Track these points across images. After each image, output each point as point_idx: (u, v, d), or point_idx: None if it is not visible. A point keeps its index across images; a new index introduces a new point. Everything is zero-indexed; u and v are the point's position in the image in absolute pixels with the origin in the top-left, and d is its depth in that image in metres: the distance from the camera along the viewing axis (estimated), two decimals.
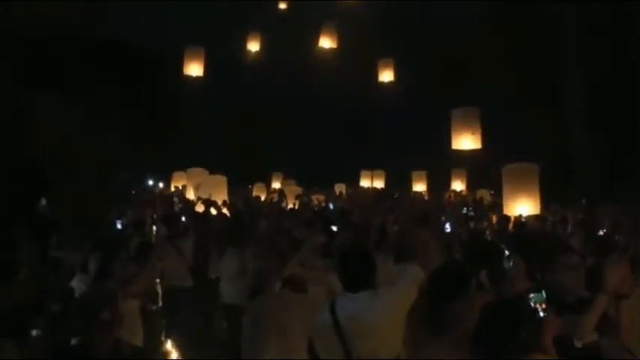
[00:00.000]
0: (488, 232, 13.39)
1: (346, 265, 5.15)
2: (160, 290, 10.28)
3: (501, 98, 29.10)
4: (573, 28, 26.90)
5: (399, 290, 5.01)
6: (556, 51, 27.74)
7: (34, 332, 5.31)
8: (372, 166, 34.12)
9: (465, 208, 20.43)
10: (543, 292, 4.13)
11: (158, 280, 10.10)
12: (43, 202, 17.32)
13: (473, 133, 23.38)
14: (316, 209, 18.65)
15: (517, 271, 5.68)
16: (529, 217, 14.71)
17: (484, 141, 23.00)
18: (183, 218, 13.59)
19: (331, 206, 18.57)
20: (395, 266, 5.49)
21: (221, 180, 18.42)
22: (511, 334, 3.81)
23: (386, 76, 35.00)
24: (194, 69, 32.84)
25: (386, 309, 4.93)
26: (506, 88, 29.26)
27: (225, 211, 15.32)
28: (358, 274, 5.05)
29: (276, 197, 22.18)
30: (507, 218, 14.27)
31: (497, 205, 18.57)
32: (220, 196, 17.31)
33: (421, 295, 4.87)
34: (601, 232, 12.29)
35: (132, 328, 7.52)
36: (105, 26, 25.08)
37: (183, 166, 26.40)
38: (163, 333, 10.64)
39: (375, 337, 4.91)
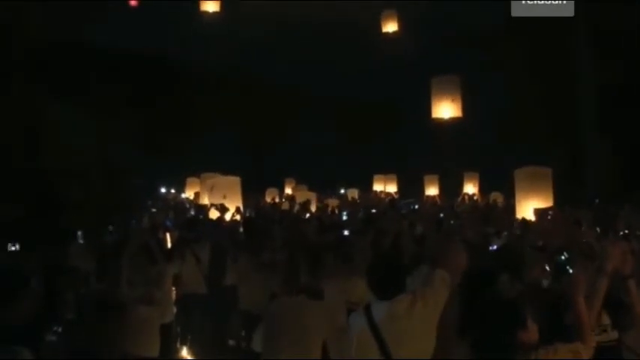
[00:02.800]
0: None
1: (377, 273, 5.30)
2: (173, 297, 10.32)
3: (514, 100, 29.08)
4: (589, 30, 26.78)
5: (434, 292, 5.14)
6: (570, 53, 27.65)
7: (48, 339, 5.34)
8: (384, 169, 33.89)
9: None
10: (565, 254, 4.24)
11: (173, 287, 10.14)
12: (57, 209, 17.37)
13: (452, 101, 23.43)
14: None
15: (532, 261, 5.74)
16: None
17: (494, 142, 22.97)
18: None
19: (345, 216, 18.32)
20: (420, 270, 5.61)
21: (235, 181, 18.34)
22: (505, 335, 3.84)
23: (390, 26, 34.40)
24: (210, 5, 32.09)
25: (423, 311, 5.09)
26: (520, 93, 29.19)
27: (238, 217, 15.35)
28: (388, 281, 5.22)
29: (287, 205, 22.11)
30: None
31: (510, 208, 18.51)
32: (234, 198, 17.28)
33: (450, 298, 5.03)
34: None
35: (149, 337, 7.53)
36: (114, 31, 25.23)
37: (196, 169, 26.17)
38: (178, 340, 10.68)
39: (414, 338, 5.06)
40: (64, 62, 17.17)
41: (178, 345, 10.76)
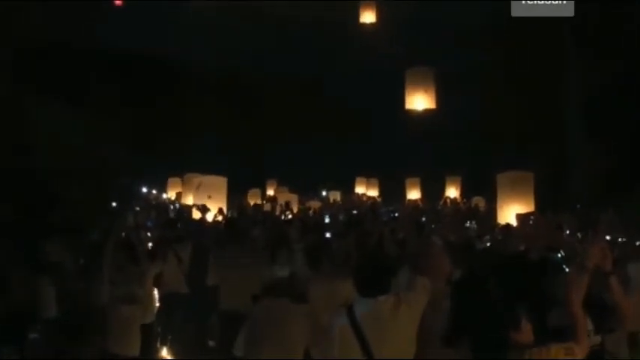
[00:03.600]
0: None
1: (364, 272, 5.38)
2: (155, 296, 10.27)
3: (498, 104, 29.13)
4: (580, 31, 26.82)
5: (416, 297, 5.23)
6: (555, 57, 27.74)
7: (31, 337, 5.33)
8: (367, 170, 33.76)
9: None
10: (561, 252, 4.27)
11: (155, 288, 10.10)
12: (42, 207, 17.23)
13: (425, 92, 23.54)
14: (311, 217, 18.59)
15: None
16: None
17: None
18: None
19: (327, 219, 18.22)
20: (401, 276, 5.66)
21: (221, 181, 18.24)
22: (498, 336, 3.86)
23: (367, 17, 34.22)
24: None
25: (407, 314, 5.18)
26: (504, 94, 29.25)
27: (220, 218, 15.32)
28: (375, 281, 5.28)
29: (269, 207, 22.07)
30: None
31: (492, 212, 18.54)
32: (220, 198, 17.21)
33: (432, 307, 5.13)
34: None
35: (130, 336, 7.50)
36: (103, 29, 25.16)
37: (182, 170, 26.02)
38: (158, 340, 10.64)
39: (396, 340, 5.14)
40: (63, 62, 17.14)
41: (159, 345, 10.72)
